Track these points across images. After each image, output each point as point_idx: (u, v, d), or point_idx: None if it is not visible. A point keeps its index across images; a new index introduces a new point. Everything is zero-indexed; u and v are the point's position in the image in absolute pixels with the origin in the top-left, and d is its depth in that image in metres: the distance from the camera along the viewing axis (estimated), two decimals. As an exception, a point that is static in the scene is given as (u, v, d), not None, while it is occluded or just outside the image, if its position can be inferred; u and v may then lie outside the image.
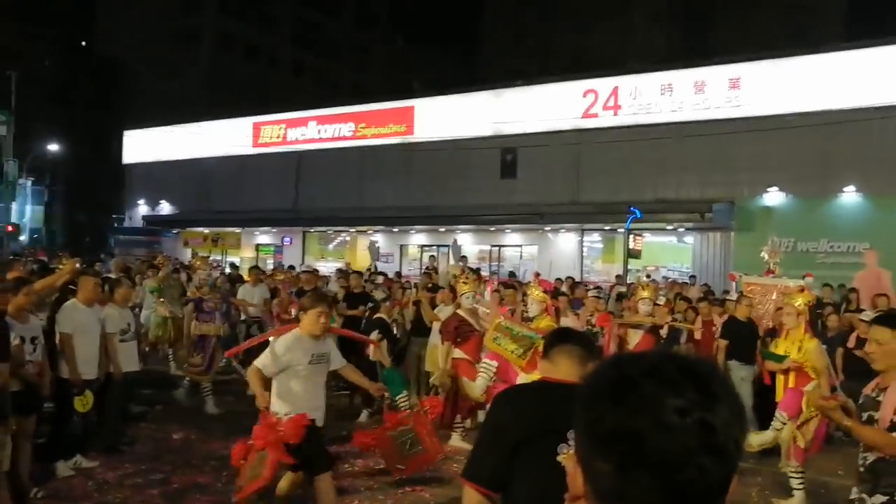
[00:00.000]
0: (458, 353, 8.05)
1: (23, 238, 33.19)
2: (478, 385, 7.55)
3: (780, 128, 17.10)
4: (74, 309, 6.59)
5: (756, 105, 17.72)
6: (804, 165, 17.11)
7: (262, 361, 4.99)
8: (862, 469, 3.41)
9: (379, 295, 10.38)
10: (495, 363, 7.32)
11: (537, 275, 12.56)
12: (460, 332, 8.03)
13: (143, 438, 7.84)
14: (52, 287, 6.93)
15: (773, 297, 10.43)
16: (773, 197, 17.72)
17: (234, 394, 10.77)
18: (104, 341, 6.92)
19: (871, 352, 3.46)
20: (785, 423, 6.53)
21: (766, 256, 11.07)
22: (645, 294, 8.39)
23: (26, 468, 5.86)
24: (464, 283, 8.57)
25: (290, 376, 4.94)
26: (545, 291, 8.13)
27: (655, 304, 10.47)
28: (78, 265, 7.34)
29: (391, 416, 6.13)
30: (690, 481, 0.82)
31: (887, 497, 3.29)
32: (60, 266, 8.54)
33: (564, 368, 2.42)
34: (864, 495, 3.38)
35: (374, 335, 8.79)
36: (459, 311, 8.35)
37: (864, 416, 3.42)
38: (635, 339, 7.99)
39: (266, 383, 5.04)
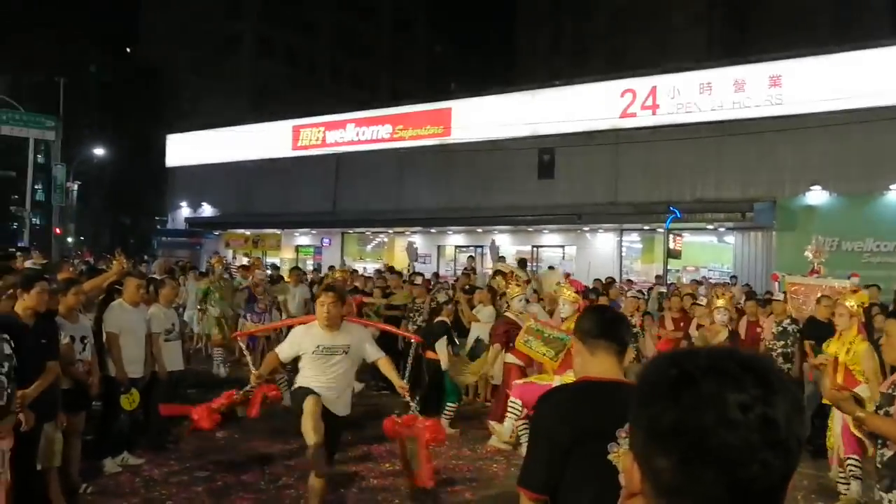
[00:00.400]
0: (509, 357, 7.93)
1: (70, 240, 34.08)
2: (506, 427, 7.44)
3: (822, 125, 16.74)
4: (121, 309, 6.74)
5: (798, 102, 17.37)
6: (848, 163, 16.72)
7: (281, 345, 5.47)
8: (879, 465, 3.35)
9: (441, 298, 10.22)
10: (520, 402, 7.16)
11: (568, 275, 12.48)
12: (511, 336, 7.86)
13: (187, 437, 8.00)
14: (99, 287, 7.12)
15: (818, 297, 10.21)
16: (816, 195, 17.36)
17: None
18: (149, 341, 7.09)
19: (883, 345, 3.51)
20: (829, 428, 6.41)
21: (811, 256, 10.87)
22: (720, 303, 8.21)
23: (76, 464, 6.05)
24: (516, 285, 8.46)
25: (304, 362, 5.24)
26: (577, 292, 8.04)
27: (695, 304, 10.38)
28: (126, 265, 7.53)
29: (409, 419, 5.85)
30: (754, 477, 0.83)
31: None
32: (109, 266, 8.78)
33: (605, 364, 2.38)
34: (881, 492, 3.31)
35: (442, 342, 8.67)
36: (509, 314, 8.22)
37: (881, 413, 3.38)
38: None
39: (284, 365, 5.72)
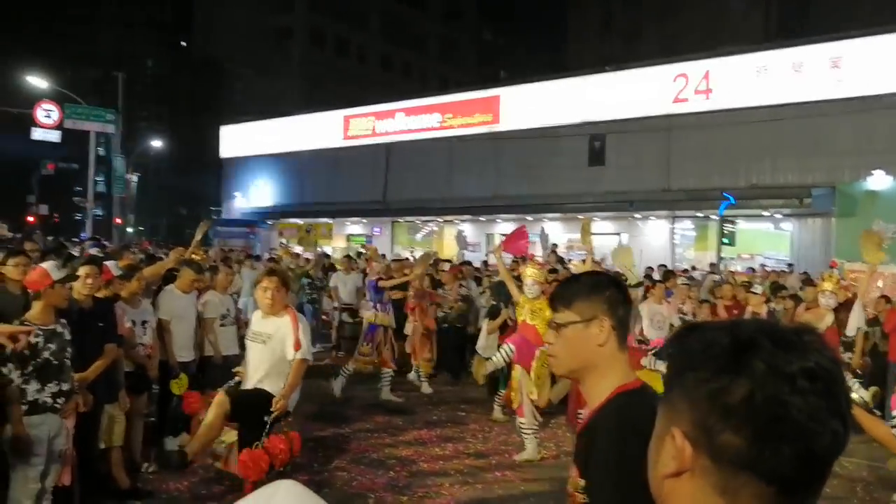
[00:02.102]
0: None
1: (129, 230, 35.14)
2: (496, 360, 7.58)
3: (885, 107, 16.13)
4: (172, 295, 6.91)
5: (859, 85, 16.76)
6: (913, 147, 16.10)
7: None
8: None
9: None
10: (513, 347, 7.24)
11: (532, 256, 12.14)
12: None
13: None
14: (158, 275, 7.36)
15: (880, 284, 9.93)
16: (878, 180, 16.74)
17: (325, 376, 11.18)
18: (200, 326, 7.29)
19: None
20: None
21: (873, 243, 10.54)
22: (827, 286, 8.00)
23: (138, 445, 6.28)
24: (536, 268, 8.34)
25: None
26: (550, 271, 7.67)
27: (751, 293, 10.16)
28: (182, 254, 7.76)
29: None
30: (826, 448, 0.80)
31: None
32: (166, 255, 9.07)
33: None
34: None
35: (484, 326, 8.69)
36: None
37: None
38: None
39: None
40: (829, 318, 7.92)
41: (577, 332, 1.79)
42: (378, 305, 9.53)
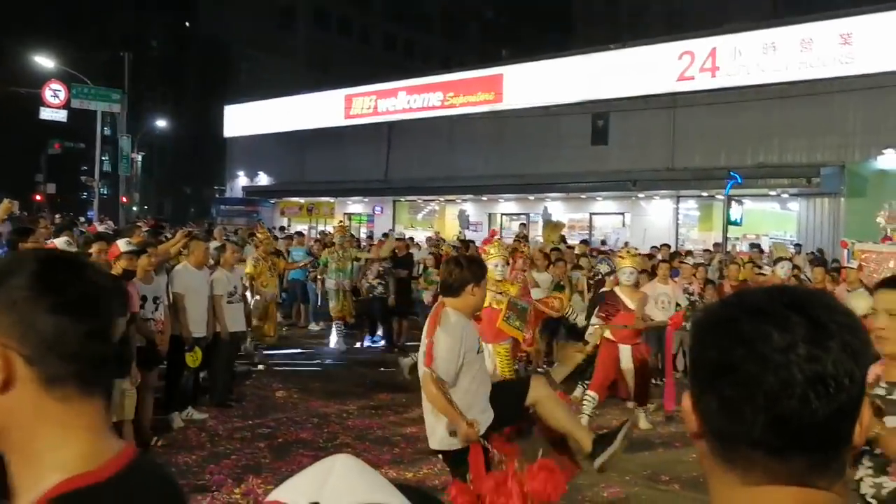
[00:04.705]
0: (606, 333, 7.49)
1: (135, 209, 35.19)
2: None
3: (895, 84, 16.00)
4: (185, 271, 7.02)
5: (869, 62, 16.58)
6: (924, 125, 15.99)
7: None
8: (873, 500, 2.56)
9: (604, 268, 9.85)
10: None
11: (493, 233, 11.96)
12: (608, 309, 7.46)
13: (249, 396, 8.29)
14: (168, 252, 7.43)
15: (891, 264, 9.89)
16: (889, 159, 16.61)
17: (330, 356, 11.23)
18: (212, 302, 7.33)
19: (881, 328, 2.50)
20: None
21: (883, 222, 10.51)
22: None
23: (148, 418, 6.34)
24: (621, 257, 8.00)
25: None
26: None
27: (759, 274, 10.15)
28: (187, 231, 7.80)
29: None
30: (792, 413, 0.82)
31: None
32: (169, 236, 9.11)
33: None
34: None
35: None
36: (616, 290, 7.73)
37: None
38: None
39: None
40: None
41: None
42: None
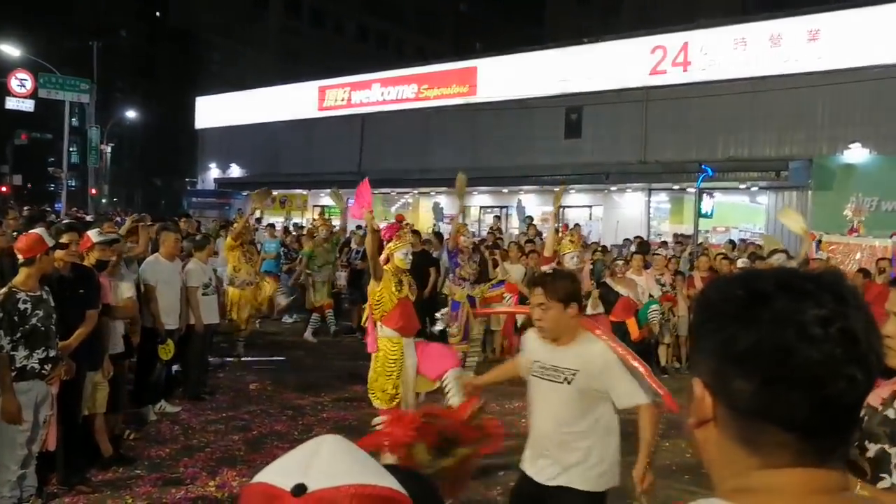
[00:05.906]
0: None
1: (104, 201, 34.66)
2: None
3: (863, 80, 16.29)
4: (156, 262, 6.92)
5: (837, 57, 16.88)
6: (889, 120, 16.27)
7: None
8: None
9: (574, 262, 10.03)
10: None
11: (400, 218, 12.07)
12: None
13: (222, 388, 8.23)
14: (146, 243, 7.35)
15: (857, 256, 10.10)
16: (855, 154, 16.95)
17: (304, 349, 11.17)
18: (185, 294, 7.25)
19: (890, 336, 2.08)
20: None
21: (850, 214, 10.72)
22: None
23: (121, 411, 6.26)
24: (570, 241, 8.13)
25: None
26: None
27: (732, 265, 10.28)
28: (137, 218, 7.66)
29: None
30: (841, 393, 0.81)
31: None
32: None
33: None
34: None
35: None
36: (608, 280, 8.14)
37: (874, 448, 2.03)
38: None
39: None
40: None
41: None
42: (457, 280, 8.89)
